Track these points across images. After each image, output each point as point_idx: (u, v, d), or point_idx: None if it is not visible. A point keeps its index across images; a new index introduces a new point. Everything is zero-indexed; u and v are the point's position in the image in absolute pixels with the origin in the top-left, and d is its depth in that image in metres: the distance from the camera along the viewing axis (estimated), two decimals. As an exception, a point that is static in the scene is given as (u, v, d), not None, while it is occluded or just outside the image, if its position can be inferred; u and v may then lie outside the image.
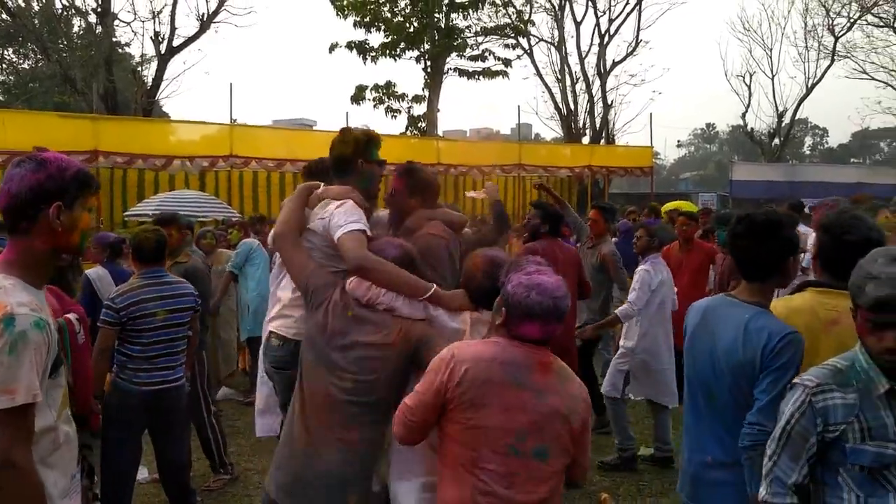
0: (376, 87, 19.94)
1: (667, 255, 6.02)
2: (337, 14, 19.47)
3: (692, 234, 6.49)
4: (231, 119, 13.03)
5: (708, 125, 77.39)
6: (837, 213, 2.45)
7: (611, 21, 24.21)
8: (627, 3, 24.00)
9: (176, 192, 11.03)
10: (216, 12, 18.30)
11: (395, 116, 20.29)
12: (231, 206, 11.61)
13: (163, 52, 18.13)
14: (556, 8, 23.91)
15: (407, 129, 20.16)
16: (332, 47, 19.67)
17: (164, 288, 3.99)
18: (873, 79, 30.83)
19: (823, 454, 1.90)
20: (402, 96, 20.14)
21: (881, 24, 29.62)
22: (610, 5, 24.11)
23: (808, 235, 5.18)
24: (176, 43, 18.21)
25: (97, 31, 18.37)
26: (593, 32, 24.39)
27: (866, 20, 29.65)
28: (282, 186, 12.86)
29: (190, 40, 18.34)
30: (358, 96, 19.85)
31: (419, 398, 2.14)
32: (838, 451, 1.86)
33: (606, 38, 24.25)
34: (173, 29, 18.11)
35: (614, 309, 5.63)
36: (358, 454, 2.40)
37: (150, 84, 18.23)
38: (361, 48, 19.75)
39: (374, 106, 20.13)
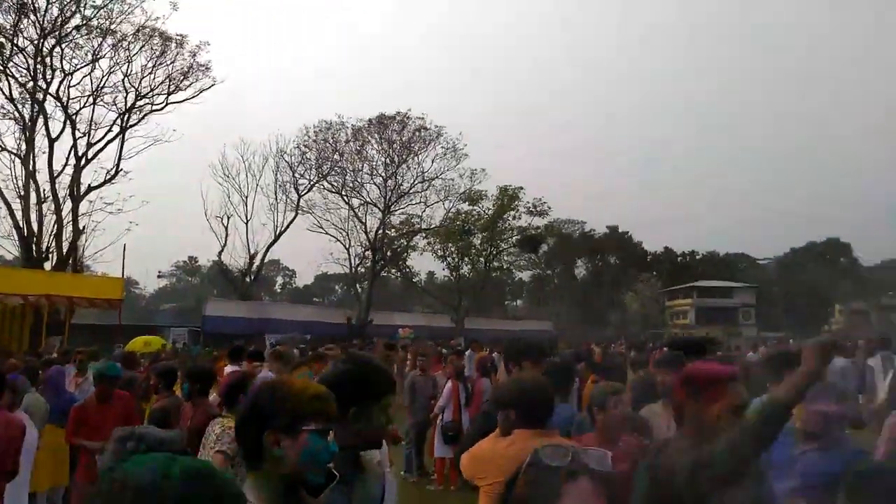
0: None
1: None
2: None
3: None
4: None
5: (191, 258, 78.88)
6: None
7: (90, 145, 23.40)
8: (110, 130, 23.68)
9: None
10: None
11: None
12: None
13: None
14: (27, 119, 21.96)
15: None
16: None
17: None
18: (327, 233, 36.92)
19: None
20: None
21: (333, 190, 36.07)
22: (90, 129, 23.37)
23: None
24: None
25: None
26: (70, 153, 23.08)
27: (323, 185, 35.74)
28: None
29: None
30: None
31: None
32: None
33: (84, 161, 23.21)
34: None
35: None
36: None
37: None
38: None
39: None
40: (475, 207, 41.83)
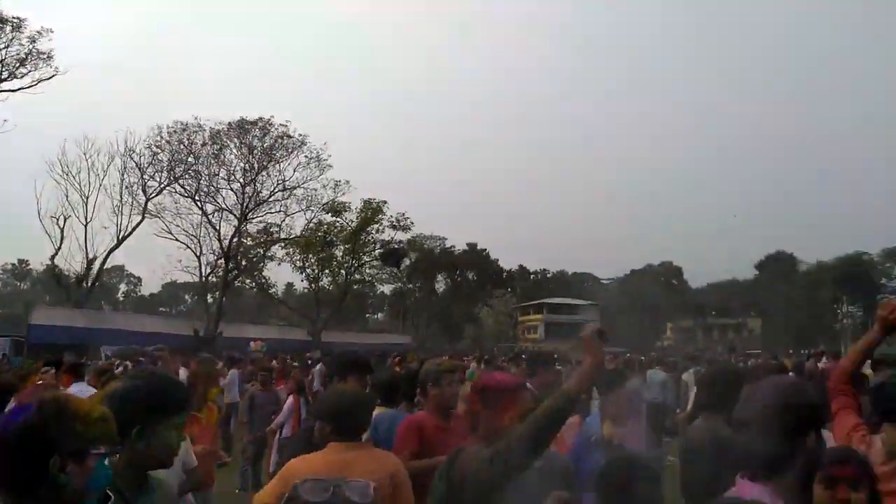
0: None
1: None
2: None
3: None
4: None
5: (20, 261, 72.02)
6: None
7: None
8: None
9: None
10: None
11: None
12: None
13: None
14: None
15: None
16: None
17: None
18: (177, 239, 34.96)
19: None
20: None
21: (185, 194, 34.33)
22: None
23: None
24: None
25: None
26: None
27: (174, 188, 33.90)
28: None
29: None
30: None
31: None
32: None
33: None
34: None
35: None
36: None
37: None
38: None
39: None
40: (338, 219, 41.46)
